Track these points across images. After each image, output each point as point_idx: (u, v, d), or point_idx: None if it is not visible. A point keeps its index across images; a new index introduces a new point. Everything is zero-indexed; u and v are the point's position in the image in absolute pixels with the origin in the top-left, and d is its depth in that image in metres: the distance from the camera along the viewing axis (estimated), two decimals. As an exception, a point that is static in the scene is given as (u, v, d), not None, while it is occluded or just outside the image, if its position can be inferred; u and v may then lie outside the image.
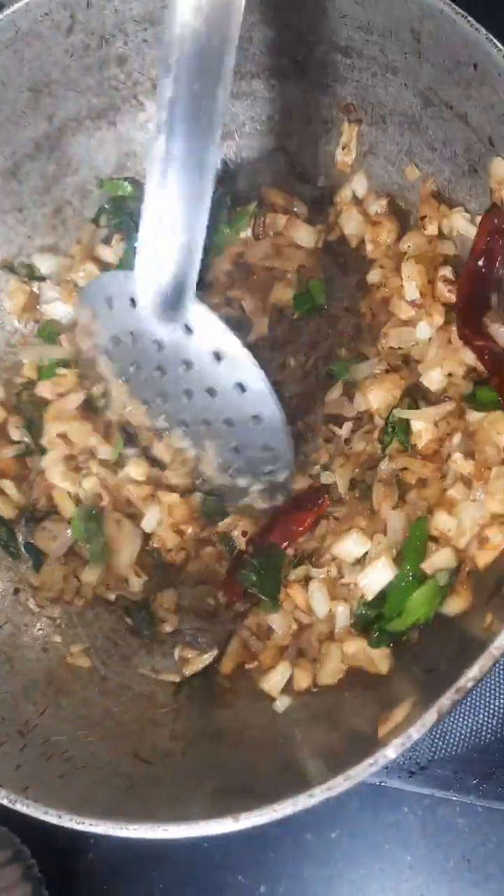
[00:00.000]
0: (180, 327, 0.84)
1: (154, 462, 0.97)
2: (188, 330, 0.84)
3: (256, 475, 0.91)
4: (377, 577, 0.80)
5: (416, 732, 0.64)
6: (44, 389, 0.98)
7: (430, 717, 0.63)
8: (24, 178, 1.00)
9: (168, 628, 0.95)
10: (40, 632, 0.95)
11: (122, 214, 1.04)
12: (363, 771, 0.64)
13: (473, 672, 0.63)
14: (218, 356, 0.84)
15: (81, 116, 1.01)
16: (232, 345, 0.83)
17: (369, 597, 0.81)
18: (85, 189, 1.05)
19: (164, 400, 0.91)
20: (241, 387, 0.84)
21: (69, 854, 1.06)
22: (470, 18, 0.77)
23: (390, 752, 0.64)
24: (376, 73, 0.92)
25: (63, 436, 0.94)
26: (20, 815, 0.98)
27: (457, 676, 0.64)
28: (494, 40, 0.76)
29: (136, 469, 0.95)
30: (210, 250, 0.89)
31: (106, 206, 1.05)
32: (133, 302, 0.86)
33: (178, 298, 0.82)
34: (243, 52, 0.97)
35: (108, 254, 1.03)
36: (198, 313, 0.83)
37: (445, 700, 0.63)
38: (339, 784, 0.65)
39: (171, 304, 0.82)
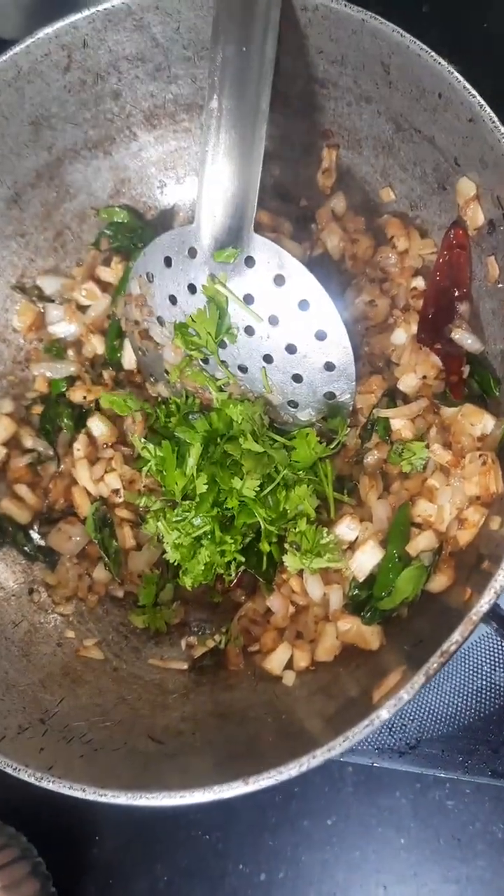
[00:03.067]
0: (241, 261, 0.86)
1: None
2: (249, 263, 0.86)
3: (318, 404, 0.92)
4: (366, 559, 0.84)
5: (406, 694, 0.67)
6: (75, 395, 1.01)
7: (419, 679, 0.67)
8: (25, 205, 1.04)
9: (174, 620, 0.98)
10: (54, 628, 0.97)
11: (121, 238, 1.08)
12: (360, 731, 0.67)
13: (455, 636, 0.67)
14: (279, 280, 0.86)
15: (79, 147, 1.04)
16: (294, 265, 0.85)
17: (360, 578, 0.85)
18: (83, 214, 1.09)
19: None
20: (304, 304, 0.86)
21: (74, 851, 1.07)
22: (433, 53, 0.81)
23: (384, 713, 0.67)
24: (351, 102, 0.96)
25: (89, 434, 0.97)
26: (27, 815, 1.03)
27: (441, 643, 0.68)
28: (455, 72, 0.80)
29: None
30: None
31: (106, 231, 1.09)
32: (192, 253, 0.88)
33: (239, 232, 0.85)
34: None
35: (108, 274, 1.07)
36: (259, 241, 0.85)
37: (432, 663, 0.67)
38: (339, 744, 0.67)
39: (233, 239, 0.85)
